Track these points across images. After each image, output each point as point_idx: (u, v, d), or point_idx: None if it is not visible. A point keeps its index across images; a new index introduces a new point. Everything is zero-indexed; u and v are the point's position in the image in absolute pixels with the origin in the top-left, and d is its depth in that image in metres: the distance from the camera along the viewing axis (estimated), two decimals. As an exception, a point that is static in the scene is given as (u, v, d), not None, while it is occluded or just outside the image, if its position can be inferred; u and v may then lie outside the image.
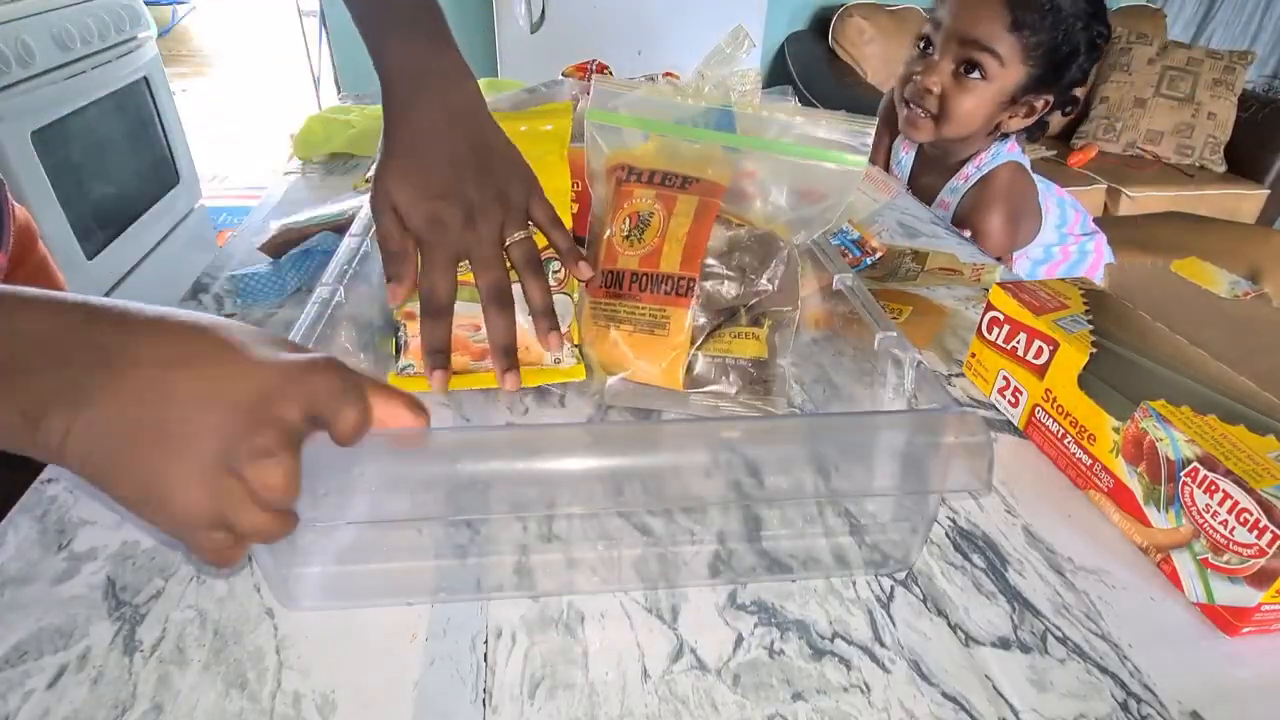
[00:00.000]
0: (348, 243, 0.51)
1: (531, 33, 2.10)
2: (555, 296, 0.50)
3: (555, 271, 0.52)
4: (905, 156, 1.10)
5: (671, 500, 0.37)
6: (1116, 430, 0.45)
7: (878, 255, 0.68)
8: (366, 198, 0.50)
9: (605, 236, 0.52)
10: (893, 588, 0.41)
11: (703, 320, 0.50)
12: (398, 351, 0.51)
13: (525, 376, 0.49)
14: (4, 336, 0.28)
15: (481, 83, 1.16)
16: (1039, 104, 0.93)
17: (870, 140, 0.49)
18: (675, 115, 0.52)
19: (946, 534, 0.45)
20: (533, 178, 0.51)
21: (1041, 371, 0.51)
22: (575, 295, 0.53)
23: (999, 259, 0.87)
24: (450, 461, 0.33)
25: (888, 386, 0.43)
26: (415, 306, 0.49)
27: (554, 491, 0.34)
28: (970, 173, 1.00)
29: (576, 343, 0.53)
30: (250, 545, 0.30)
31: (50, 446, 0.27)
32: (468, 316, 0.49)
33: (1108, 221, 1.55)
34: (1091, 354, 0.47)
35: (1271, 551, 0.36)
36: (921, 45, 0.96)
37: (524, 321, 0.50)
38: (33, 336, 0.28)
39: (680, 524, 0.42)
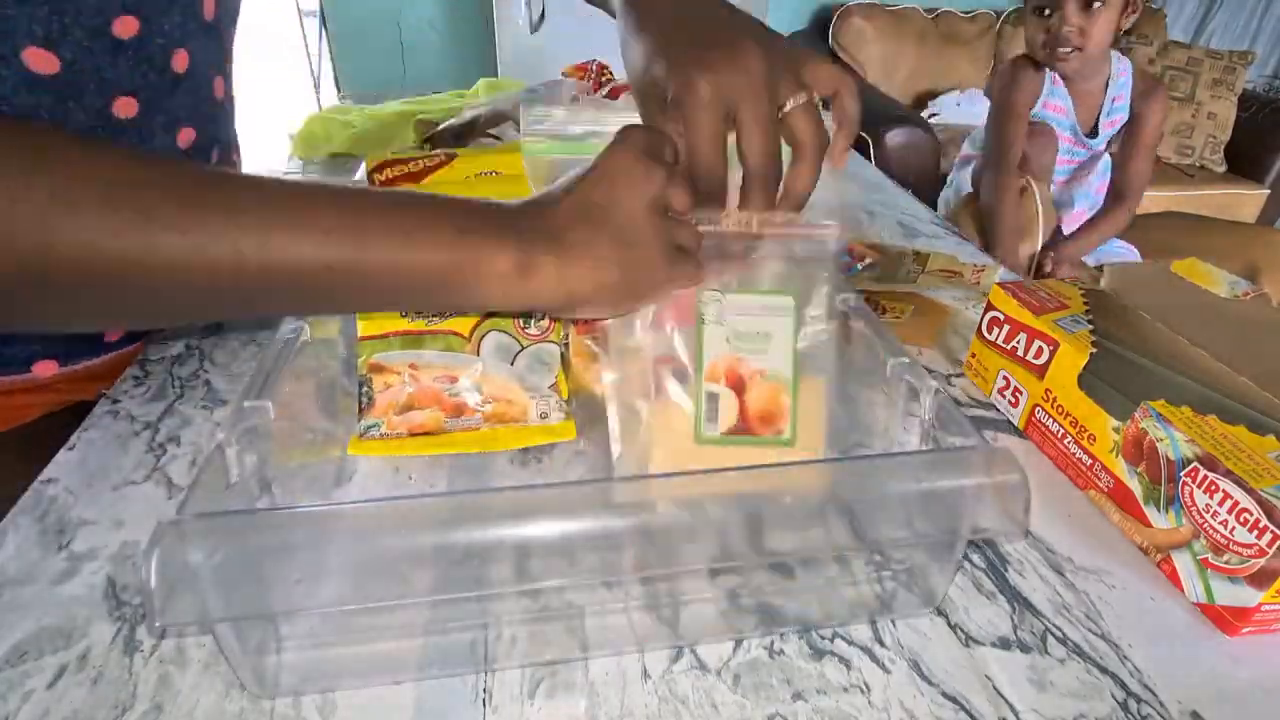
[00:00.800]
0: None
1: (531, 33, 2.09)
2: (541, 346, 0.46)
3: (539, 319, 0.47)
4: (1064, 100, 1.40)
5: (686, 563, 0.35)
6: (1116, 430, 0.45)
7: (867, 261, 0.67)
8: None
9: None
10: (895, 589, 0.41)
11: None
12: (361, 410, 0.45)
13: (507, 437, 0.46)
14: (458, 205, 0.35)
15: (481, 83, 1.16)
16: None
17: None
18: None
19: (946, 534, 0.45)
20: (807, 51, 0.46)
21: (1041, 371, 0.51)
22: (562, 344, 0.48)
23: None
24: (434, 533, 0.30)
25: (899, 407, 0.42)
26: (382, 358, 0.45)
27: (556, 562, 0.30)
28: (1119, 93, 1.36)
29: (565, 397, 0.47)
30: (696, 258, 0.40)
31: (545, 284, 0.35)
32: (441, 367, 0.45)
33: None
34: (1091, 354, 0.47)
35: (1271, 551, 0.36)
36: (1039, 9, 1.30)
37: (506, 373, 0.46)
38: (484, 207, 0.36)
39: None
